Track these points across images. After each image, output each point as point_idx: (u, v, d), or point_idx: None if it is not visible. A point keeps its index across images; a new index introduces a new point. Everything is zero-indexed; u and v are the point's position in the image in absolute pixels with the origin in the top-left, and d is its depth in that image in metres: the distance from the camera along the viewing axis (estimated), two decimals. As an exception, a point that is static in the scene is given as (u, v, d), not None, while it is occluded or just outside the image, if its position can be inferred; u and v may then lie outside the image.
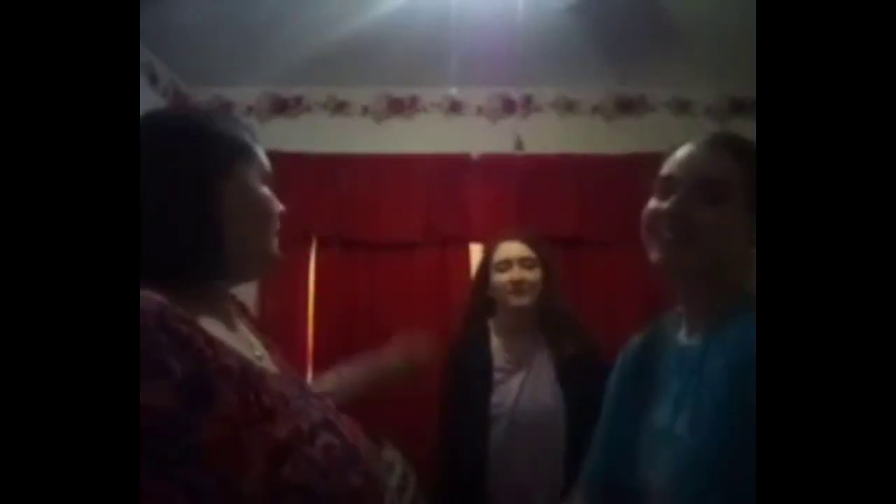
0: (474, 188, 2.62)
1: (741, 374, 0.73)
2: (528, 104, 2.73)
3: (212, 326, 0.70)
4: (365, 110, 2.72)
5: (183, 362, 0.58)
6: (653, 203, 0.97)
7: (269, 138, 0.87)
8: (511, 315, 1.72)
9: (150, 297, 0.61)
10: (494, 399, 1.65)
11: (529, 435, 1.62)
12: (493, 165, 2.64)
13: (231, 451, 0.58)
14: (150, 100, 2.20)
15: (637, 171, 2.62)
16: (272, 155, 0.83)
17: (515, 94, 2.73)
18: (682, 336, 0.97)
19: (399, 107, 2.73)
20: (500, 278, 1.70)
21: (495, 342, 1.73)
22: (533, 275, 1.69)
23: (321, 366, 2.55)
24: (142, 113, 0.75)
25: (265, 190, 0.79)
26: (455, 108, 2.72)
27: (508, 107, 2.74)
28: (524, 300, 1.68)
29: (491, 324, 1.77)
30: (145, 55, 2.25)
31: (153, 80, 2.33)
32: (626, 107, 2.74)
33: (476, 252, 2.53)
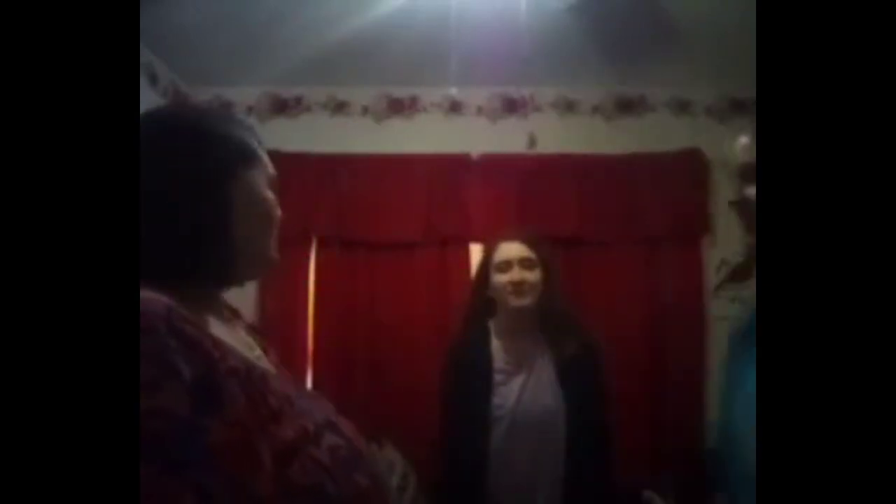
0: (474, 188, 2.62)
1: None
2: (529, 104, 2.73)
3: (215, 328, 0.70)
4: (365, 110, 2.72)
5: (192, 364, 0.57)
6: (741, 190, 0.99)
7: (269, 138, 0.87)
8: (511, 316, 1.72)
9: (157, 299, 0.60)
10: (495, 400, 1.65)
11: (530, 435, 1.62)
12: (493, 165, 2.65)
13: (241, 453, 0.58)
14: (150, 100, 2.20)
15: (637, 171, 2.65)
16: (272, 155, 0.83)
17: (515, 94, 2.73)
18: None
19: (399, 107, 2.73)
20: (501, 279, 1.70)
21: (495, 343, 1.73)
22: (533, 275, 1.69)
23: (321, 366, 2.55)
24: (151, 112, 0.76)
25: (270, 193, 0.79)
26: (455, 108, 2.73)
27: (508, 107, 2.74)
28: (525, 301, 1.68)
29: (491, 324, 1.77)
30: (145, 55, 2.25)
31: (153, 80, 2.33)
32: (626, 107, 2.74)
33: (476, 252, 2.53)
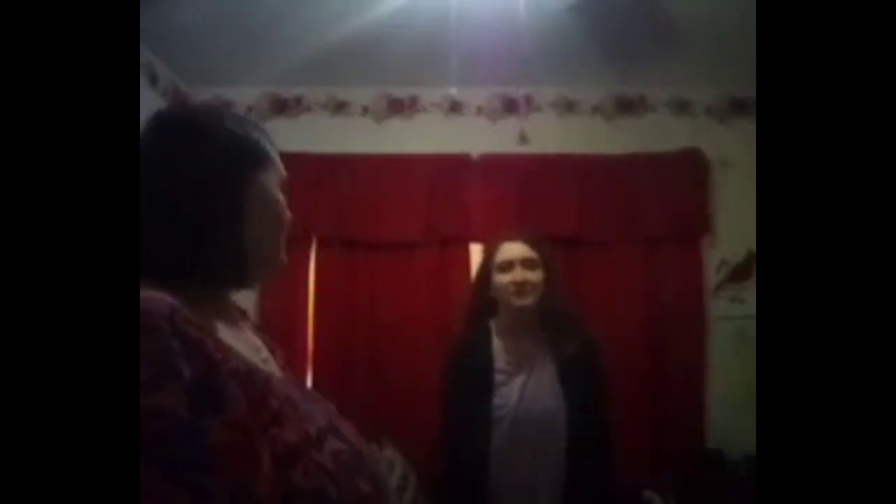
0: (474, 188, 2.62)
1: None
2: (529, 104, 2.73)
3: (221, 329, 0.70)
4: (365, 110, 2.72)
5: (193, 365, 0.57)
6: None
7: (269, 138, 0.87)
8: (513, 315, 1.72)
9: (161, 299, 0.60)
10: (496, 401, 1.64)
11: (531, 436, 1.62)
12: (493, 165, 2.65)
13: (241, 454, 0.58)
14: (150, 100, 2.21)
15: (637, 171, 2.65)
16: (272, 155, 0.83)
17: (515, 93, 2.73)
18: None
19: (399, 107, 2.73)
20: (503, 279, 1.70)
21: (496, 343, 1.73)
22: (535, 275, 1.69)
23: (321, 366, 2.55)
24: (166, 112, 0.76)
25: (281, 196, 0.79)
26: (455, 108, 2.73)
27: (508, 107, 2.74)
28: (527, 300, 1.67)
29: (492, 324, 1.77)
30: (145, 55, 2.25)
31: (153, 80, 2.33)
32: (626, 107, 2.74)
33: (476, 252, 2.53)
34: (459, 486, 1.64)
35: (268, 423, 0.63)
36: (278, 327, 2.47)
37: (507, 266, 1.70)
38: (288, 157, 0.84)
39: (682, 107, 2.73)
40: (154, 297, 0.60)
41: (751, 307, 2.53)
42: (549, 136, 2.70)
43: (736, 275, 2.65)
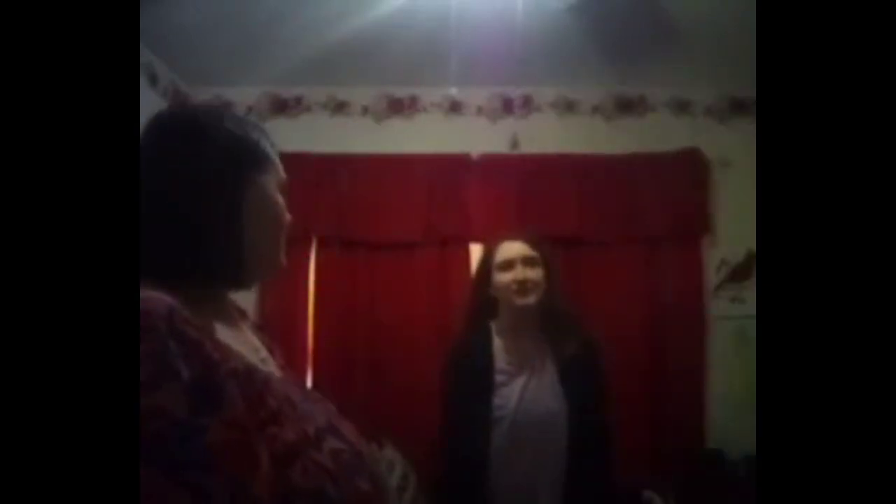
0: (474, 188, 2.62)
1: None
2: (528, 104, 2.73)
3: (220, 329, 0.70)
4: (365, 110, 2.72)
5: (190, 365, 0.58)
6: None
7: (269, 138, 0.87)
8: (515, 315, 1.72)
9: (159, 299, 0.60)
10: (497, 401, 1.64)
11: (531, 436, 1.62)
12: (493, 165, 2.65)
13: (239, 454, 0.58)
14: (150, 100, 2.20)
15: (637, 171, 2.65)
16: (272, 155, 0.83)
17: (515, 94, 2.73)
18: None
19: (399, 107, 2.73)
20: (504, 278, 1.69)
21: (497, 343, 1.73)
22: (536, 273, 1.69)
23: (321, 366, 2.56)
24: (166, 113, 0.76)
25: (280, 198, 0.79)
26: (455, 108, 2.73)
27: (508, 107, 2.74)
28: (529, 299, 1.67)
29: (493, 325, 1.77)
30: (145, 55, 2.25)
31: (153, 80, 2.33)
32: (626, 107, 2.74)
33: (476, 252, 2.53)
34: (459, 486, 1.64)
35: (266, 423, 0.63)
36: (278, 327, 2.47)
37: (508, 265, 1.69)
38: (288, 157, 0.84)
39: (682, 107, 2.73)
40: (152, 298, 0.60)
41: (751, 307, 2.53)
42: (548, 136, 2.70)
43: (736, 275, 2.65)
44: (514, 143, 2.69)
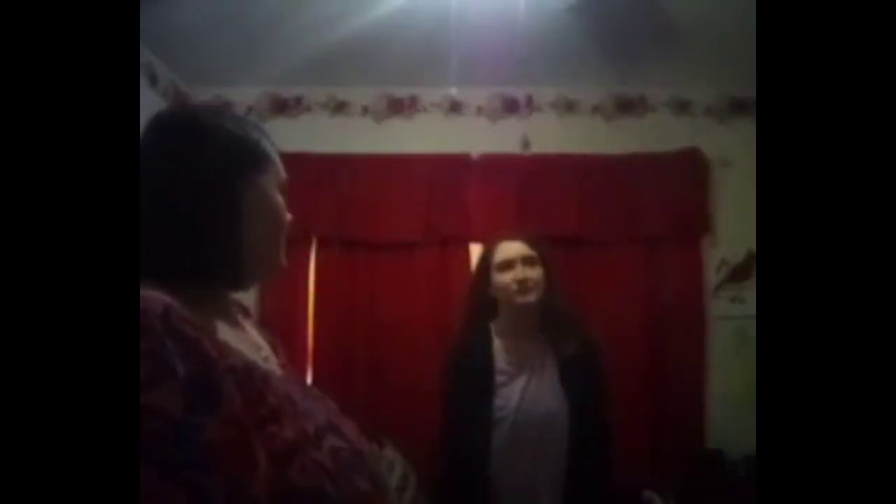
0: (474, 188, 2.62)
1: None
2: (529, 104, 2.73)
3: (220, 328, 0.70)
4: (365, 110, 2.72)
5: (187, 363, 0.58)
6: None
7: (269, 138, 0.87)
8: (515, 314, 1.72)
9: (156, 298, 0.61)
10: (497, 401, 1.64)
11: (532, 436, 1.62)
12: (493, 165, 2.65)
13: (237, 452, 0.58)
14: (150, 100, 2.20)
15: (637, 171, 2.65)
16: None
17: (515, 94, 2.73)
18: None
19: (399, 107, 2.73)
20: (504, 278, 1.69)
21: (497, 343, 1.73)
22: (536, 273, 1.69)
23: (321, 366, 2.56)
24: (167, 113, 0.76)
25: (280, 198, 0.79)
26: (455, 108, 2.73)
27: (508, 107, 2.74)
28: (530, 298, 1.67)
29: (492, 325, 1.77)
30: (145, 55, 2.25)
31: (153, 80, 2.33)
32: (626, 107, 2.74)
33: (476, 252, 2.53)
34: (459, 487, 1.64)
35: (265, 421, 0.63)
36: (278, 327, 2.47)
37: (508, 265, 1.69)
38: (288, 157, 0.84)
39: (682, 107, 2.73)
40: (149, 296, 0.60)
41: (751, 307, 2.53)
42: (549, 136, 2.70)
43: (736, 275, 2.65)
44: (525, 143, 2.69)
